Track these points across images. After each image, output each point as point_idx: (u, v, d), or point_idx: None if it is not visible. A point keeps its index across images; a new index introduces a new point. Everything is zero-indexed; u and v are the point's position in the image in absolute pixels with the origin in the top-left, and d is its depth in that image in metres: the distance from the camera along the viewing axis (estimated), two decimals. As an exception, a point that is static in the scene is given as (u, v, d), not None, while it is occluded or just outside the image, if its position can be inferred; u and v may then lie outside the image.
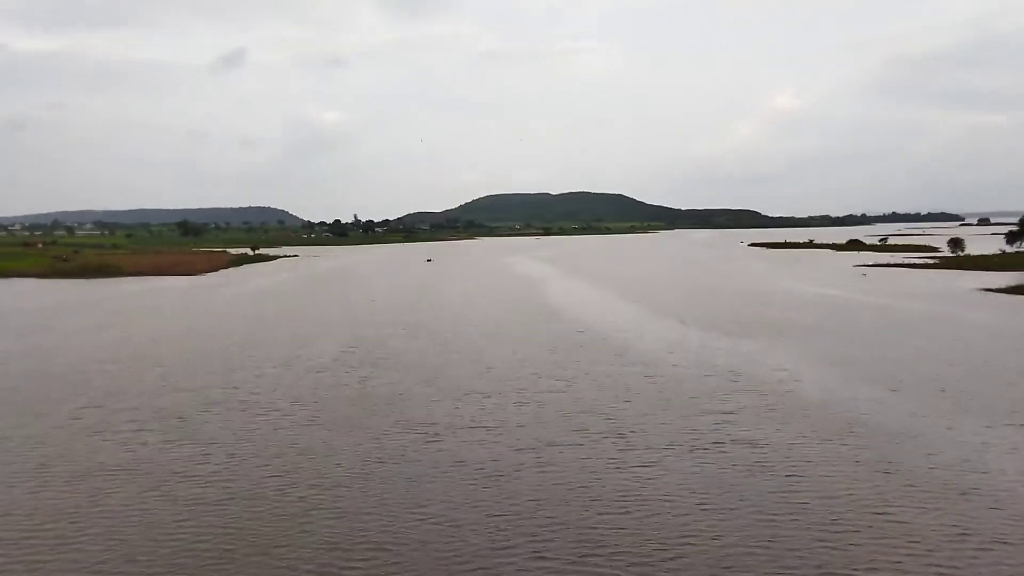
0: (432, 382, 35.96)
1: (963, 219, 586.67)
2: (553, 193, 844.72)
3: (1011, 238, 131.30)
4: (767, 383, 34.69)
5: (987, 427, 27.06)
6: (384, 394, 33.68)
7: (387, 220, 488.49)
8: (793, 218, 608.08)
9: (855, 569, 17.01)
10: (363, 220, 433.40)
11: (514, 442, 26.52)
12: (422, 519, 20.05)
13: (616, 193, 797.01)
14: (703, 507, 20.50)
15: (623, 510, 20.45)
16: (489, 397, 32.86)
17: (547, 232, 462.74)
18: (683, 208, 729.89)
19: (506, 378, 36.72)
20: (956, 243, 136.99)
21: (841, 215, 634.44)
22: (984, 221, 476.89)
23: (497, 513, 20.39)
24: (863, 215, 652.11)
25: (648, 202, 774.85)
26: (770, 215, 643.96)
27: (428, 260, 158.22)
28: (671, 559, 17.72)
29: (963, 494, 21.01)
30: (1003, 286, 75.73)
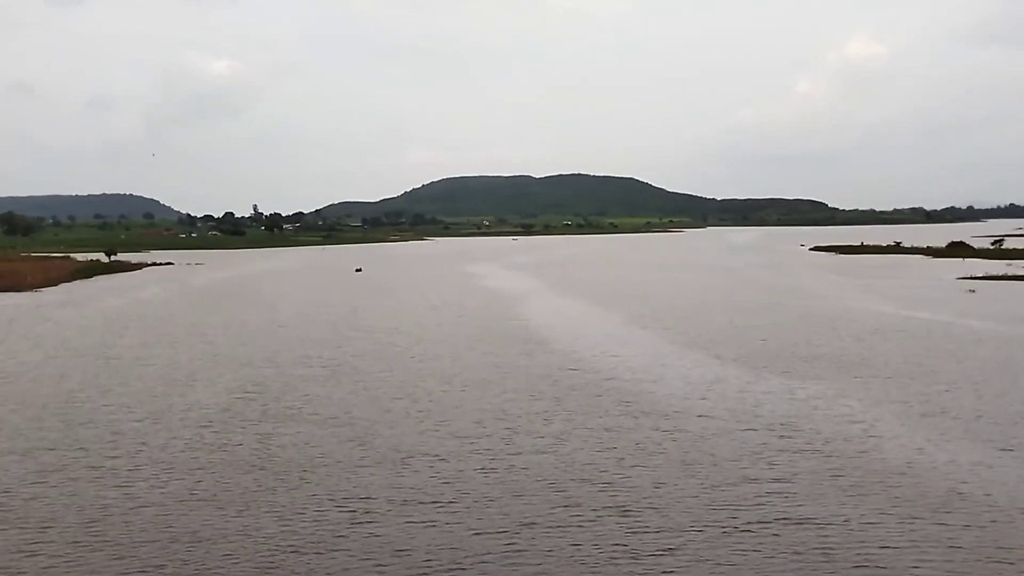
0: (364, 441, 36.27)
1: None
2: (537, 176, 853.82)
3: None
4: (832, 441, 35.45)
5: None
6: (295, 458, 33.91)
7: (300, 214, 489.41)
8: (872, 212, 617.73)
9: None
10: (266, 214, 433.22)
11: (477, 523, 26.86)
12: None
13: (625, 177, 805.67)
14: (741, 611, 20.98)
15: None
16: (444, 460, 33.24)
17: (528, 230, 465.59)
18: (719, 198, 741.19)
19: (468, 434, 37.13)
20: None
21: (939, 208, 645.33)
22: None
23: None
24: (969, 208, 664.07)
25: (670, 189, 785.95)
26: (840, 207, 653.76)
27: (357, 270, 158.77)
28: None
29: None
30: None
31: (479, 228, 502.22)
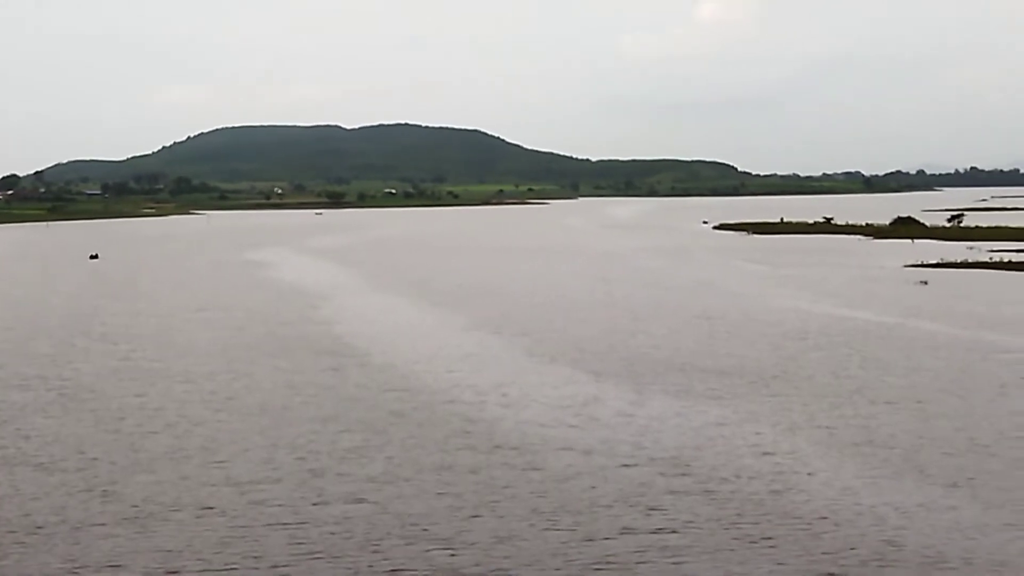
0: (107, 491, 36.07)
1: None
2: (349, 127, 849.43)
3: None
4: (735, 479, 36.98)
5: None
6: (8, 516, 33.54)
7: (14, 177, 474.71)
8: (796, 177, 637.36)
9: None
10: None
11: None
12: None
13: (470, 130, 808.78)
14: None
15: None
16: (219, 515, 33.37)
17: (338, 201, 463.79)
18: (595, 159, 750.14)
19: (252, 479, 37.39)
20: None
21: (882, 173, 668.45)
22: None
23: None
24: (920, 172, 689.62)
25: (530, 147, 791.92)
26: (754, 172, 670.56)
27: (93, 256, 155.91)
28: None
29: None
30: None
31: (269, 198, 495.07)
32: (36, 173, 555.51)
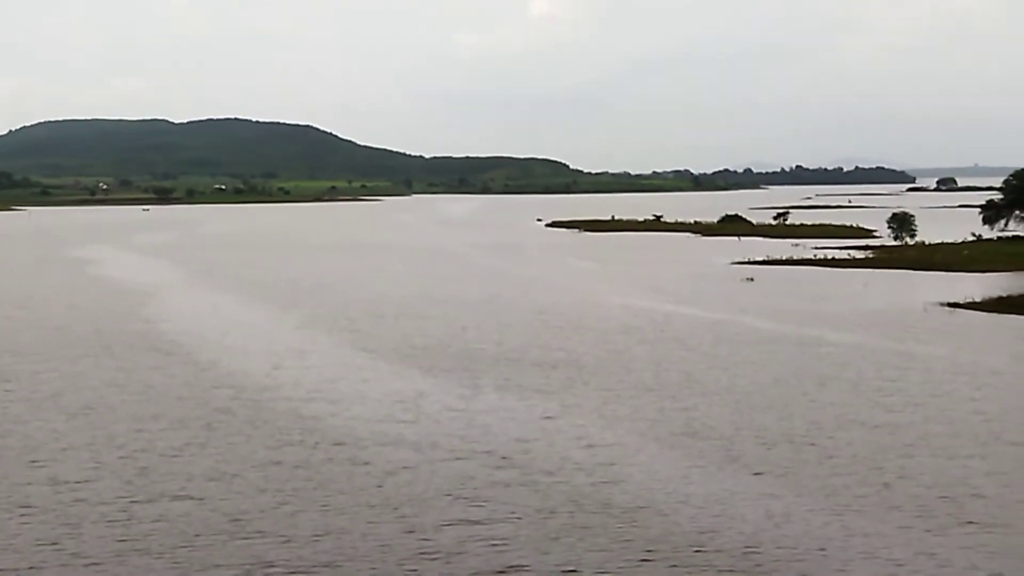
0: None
1: (914, 180, 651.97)
2: (177, 121, 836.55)
3: (991, 214, 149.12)
4: (559, 471, 37.99)
5: (930, 533, 31.93)
6: None
7: None
8: (627, 175, 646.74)
9: None
10: None
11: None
12: None
13: (302, 125, 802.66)
14: None
15: None
16: (41, 512, 33.24)
17: (166, 197, 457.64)
18: (428, 156, 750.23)
19: (74, 478, 37.15)
20: (902, 223, 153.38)
21: (710, 171, 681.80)
22: (946, 183, 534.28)
23: None
24: (747, 171, 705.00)
25: (363, 143, 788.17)
26: (586, 170, 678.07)
27: None
28: None
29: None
30: (980, 298, 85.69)
31: (94, 194, 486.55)
32: None
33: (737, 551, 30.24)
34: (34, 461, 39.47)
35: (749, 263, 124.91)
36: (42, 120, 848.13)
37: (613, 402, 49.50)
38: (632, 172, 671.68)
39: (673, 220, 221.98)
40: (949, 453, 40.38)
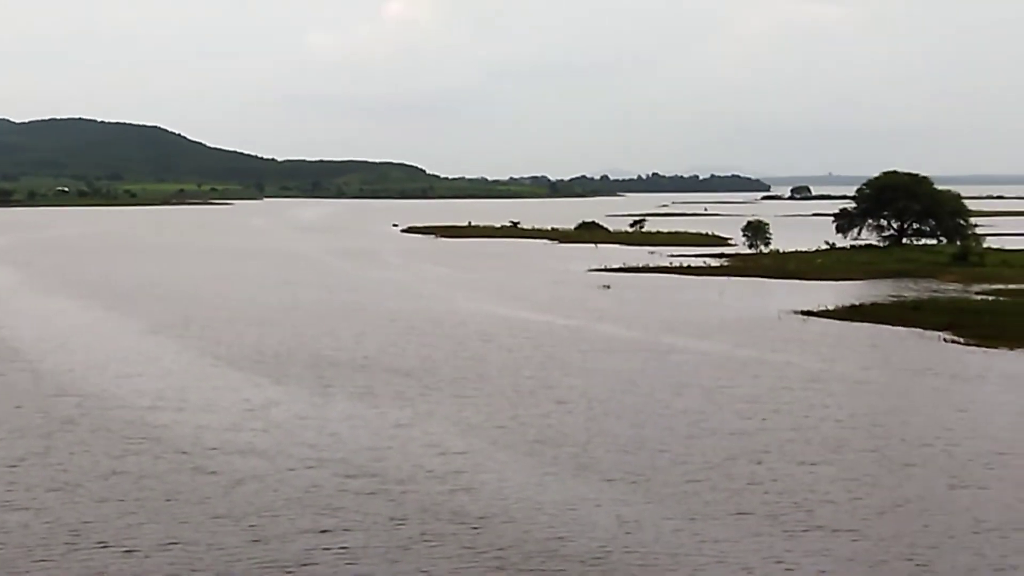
0: None
1: (769, 188, 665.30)
2: (17, 121, 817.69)
3: (841, 223, 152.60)
4: (411, 480, 38.07)
5: (786, 535, 32.52)
6: None
7: None
8: (484, 181, 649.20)
9: None
10: None
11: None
12: None
13: (149, 126, 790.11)
14: None
15: None
16: None
17: (6, 200, 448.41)
18: (281, 159, 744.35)
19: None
20: (757, 231, 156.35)
21: (567, 178, 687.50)
22: (801, 191, 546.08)
23: None
24: (604, 178, 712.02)
25: (213, 145, 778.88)
26: (443, 175, 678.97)
27: None
28: None
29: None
30: (833, 306, 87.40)
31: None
32: None
33: (588, 558, 30.49)
34: None
35: (606, 270, 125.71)
36: None
37: (467, 409, 49.67)
38: (489, 178, 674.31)
39: (530, 227, 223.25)
40: (800, 459, 41.19)
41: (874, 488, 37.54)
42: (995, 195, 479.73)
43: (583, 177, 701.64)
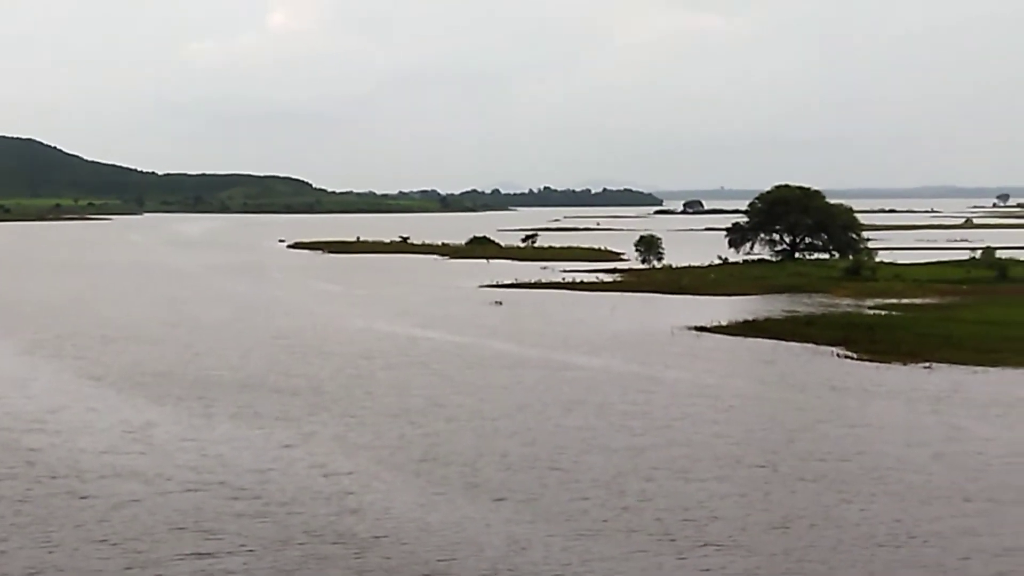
0: None
1: (661, 202, 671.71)
2: None
3: (733, 238, 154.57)
4: (294, 501, 38.08)
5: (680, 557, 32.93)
6: None
7: None
8: (372, 195, 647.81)
9: None
10: None
11: None
12: None
13: (23, 139, 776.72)
14: None
15: None
16: None
17: None
18: (161, 172, 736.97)
19: None
20: (649, 246, 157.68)
21: (457, 192, 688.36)
22: (694, 206, 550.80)
23: None
24: (495, 192, 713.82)
25: (90, 158, 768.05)
26: (329, 189, 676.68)
27: None
28: None
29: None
30: (724, 321, 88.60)
31: None
32: None
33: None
34: None
35: (497, 286, 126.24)
36: None
37: (354, 429, 49.68)
38: (378, 192, 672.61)
39: (420, 242, 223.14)
40: (690, 476, 41.72)
41: (765, 504, 38.23)
42: (887, 208, 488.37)
43: (474, 191, 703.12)
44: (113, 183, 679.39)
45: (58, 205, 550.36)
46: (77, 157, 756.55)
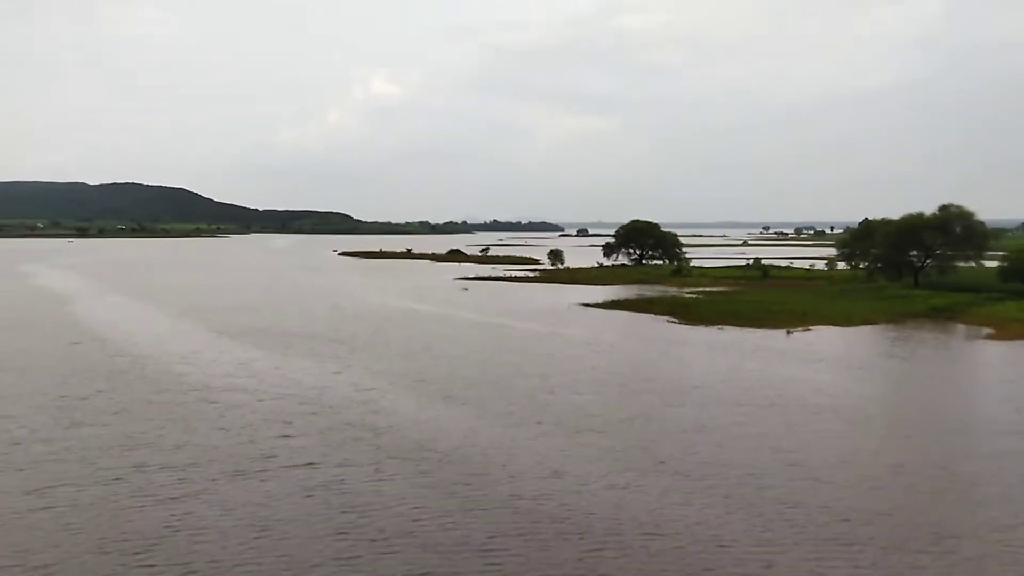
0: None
1: (563, 229, 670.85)
2: (92, 183, 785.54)
3: (607, 251, 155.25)
4: (339, 405, 38.44)
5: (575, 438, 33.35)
6: None
7: None
8: (390, 224, 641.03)
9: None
10: None
11: None
12: None
13: (177, 187, 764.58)
14: (262, 536, 22.81)
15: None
16: None
17: (84, 233, 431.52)
18: (261, 209, 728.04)
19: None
20: (556, 255, 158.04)
21: (441, 222, 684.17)
22: (584, 231, 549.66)
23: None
24: (464, 222, 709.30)
25: (217, 199, 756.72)
26: (364, 219, 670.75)
27: None
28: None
29: (536, 499, 26.13)
30: (600, 300, 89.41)
31: (32, 230, 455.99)
32: None
33: (447, 452, 31.00)
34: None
35: (465, 279, 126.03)
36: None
37: (376, 363, 49.75)
38: (393, 221, 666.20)
39: (418, 252, 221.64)
40: (576, 391, 42.10)
41: (619, 408, 38.70)
42: (697, 234, 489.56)
43: (451, 222, 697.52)
44: (230, 215, 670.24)
45: (197, 228, 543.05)
46: (209, 199, 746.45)
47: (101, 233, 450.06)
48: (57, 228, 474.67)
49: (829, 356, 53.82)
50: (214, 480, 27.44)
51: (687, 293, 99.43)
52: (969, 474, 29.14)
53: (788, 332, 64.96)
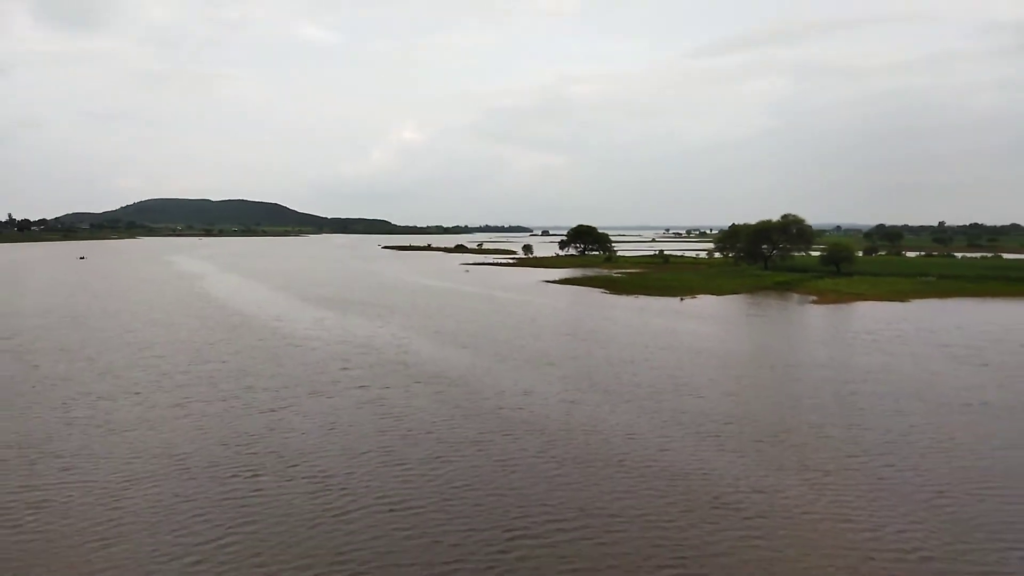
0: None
1: (532, 230, 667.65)
2: (214, 200, 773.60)
3: (562, 245, 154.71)
4: (383, 348, 38.16)
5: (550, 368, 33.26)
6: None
7: (44, 220, 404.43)
8: (416, 227, 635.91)
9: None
10: (17, 219, 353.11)
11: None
12: None
13: (272, 202, 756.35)
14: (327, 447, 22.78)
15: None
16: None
17: (208, 233, 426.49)
18: (328, 216, 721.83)
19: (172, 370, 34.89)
20: (528, 249, 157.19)
21: (450, 226, 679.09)
22: (546, 232, 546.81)
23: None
24: (465, 226, 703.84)
25: (299, 210, 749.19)
26: (398, 224, 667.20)
27: (81, 258, 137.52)
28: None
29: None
30: (557, 279, 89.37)
31: (174, 232, 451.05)
32: (55, 218, 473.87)
33: (454, 378, 30.79)
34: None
35: (466, 264, 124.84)
36: (146, 198, 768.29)
37: (407, 321, 49.27)
38: (419, 225, 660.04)
39: (435, 246, 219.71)
40: (540, 339, 41.85)
41: (570, 349, 38.56)
42: (622, 234, 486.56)
43: (457, 225, 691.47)
44: (308, 221, 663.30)
45: (286, 230, 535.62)
46: (295, 210, 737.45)
47: (220, 233, 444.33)
48: (190, 230, 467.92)
49: (708, 315, 53.97)
50: (297, 398, 27.44)
51: (615, 273, 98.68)
52: (796, 391, 29.55)
53: (681, 299, 64.89)
